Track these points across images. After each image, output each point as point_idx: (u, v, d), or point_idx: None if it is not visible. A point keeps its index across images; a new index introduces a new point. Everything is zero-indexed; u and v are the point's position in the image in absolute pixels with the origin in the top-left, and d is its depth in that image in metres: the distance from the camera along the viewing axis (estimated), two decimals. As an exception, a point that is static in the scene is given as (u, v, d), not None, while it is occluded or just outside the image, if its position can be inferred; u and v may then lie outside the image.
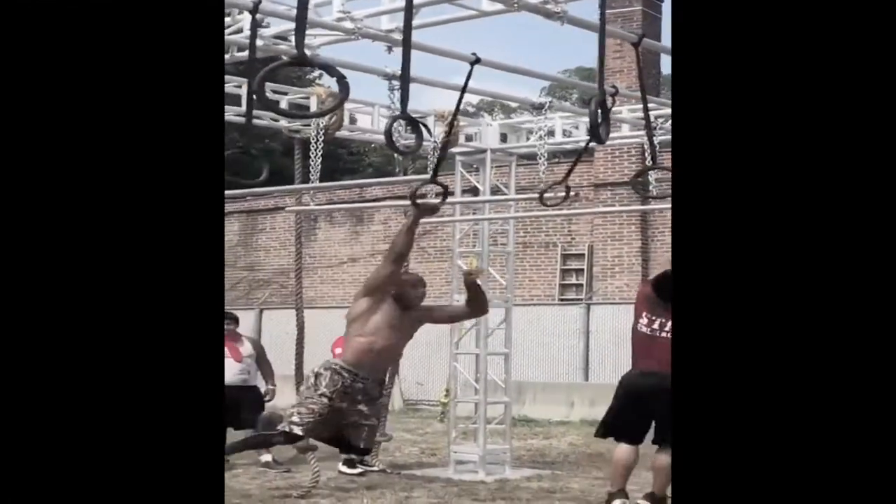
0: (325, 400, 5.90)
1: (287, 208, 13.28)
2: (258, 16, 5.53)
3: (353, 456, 8.91)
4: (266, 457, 9.83)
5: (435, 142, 8.42)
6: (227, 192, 3.38)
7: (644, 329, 7.22)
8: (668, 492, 7.28)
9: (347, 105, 8.80)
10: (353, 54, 12.71)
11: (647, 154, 8.61)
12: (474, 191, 11.05)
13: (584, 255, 18.38)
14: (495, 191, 10.83)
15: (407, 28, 4.44)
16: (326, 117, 8.56)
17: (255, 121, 8.44)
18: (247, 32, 5.83)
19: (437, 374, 16.38)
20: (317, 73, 21.89)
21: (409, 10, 4.51)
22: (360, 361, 5.94)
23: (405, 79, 4.47)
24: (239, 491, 8.50)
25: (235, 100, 8.46)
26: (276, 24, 6.99)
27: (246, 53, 5.98)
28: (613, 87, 4.88)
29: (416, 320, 6.34)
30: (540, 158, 8.85)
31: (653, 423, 7.26)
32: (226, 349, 9.63)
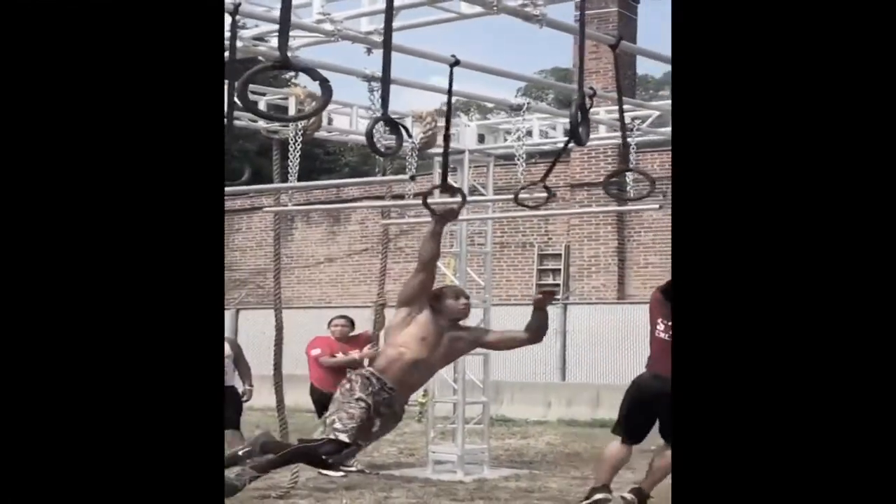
0: (362, 404, 5.66)
1: (265, 208, 13.27)
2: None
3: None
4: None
5: (414, 143, 8.45)
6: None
7: (662, 335, 7.22)
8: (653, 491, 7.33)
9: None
10: (332, 55, 12.71)
11: (632, 156, 8.66)
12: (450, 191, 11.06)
13: (560, 255, 18.43)
14: (473, 191, 10.85)
15: (387, 31, 4.46)
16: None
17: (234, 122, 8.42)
18: (227, 34, 5.82)
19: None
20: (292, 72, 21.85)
21: (390, 13, 4.53)
22: (388, 370, 5.73)
23: (386, 81, 4.49)
24: (217, 491, 8.47)
25: (214, 101, 8.43)
26: (253, 24, 7.00)
27: (226, 55, 5.97)
28: (591, 88, 4.90)
29: (458, 339, 5.96)
30: (518, 159, 8.88)
31: (656, 424, 7.28)
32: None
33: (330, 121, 9.69)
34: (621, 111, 5.79)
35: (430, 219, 5.81)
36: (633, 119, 9.58)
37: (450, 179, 10.75)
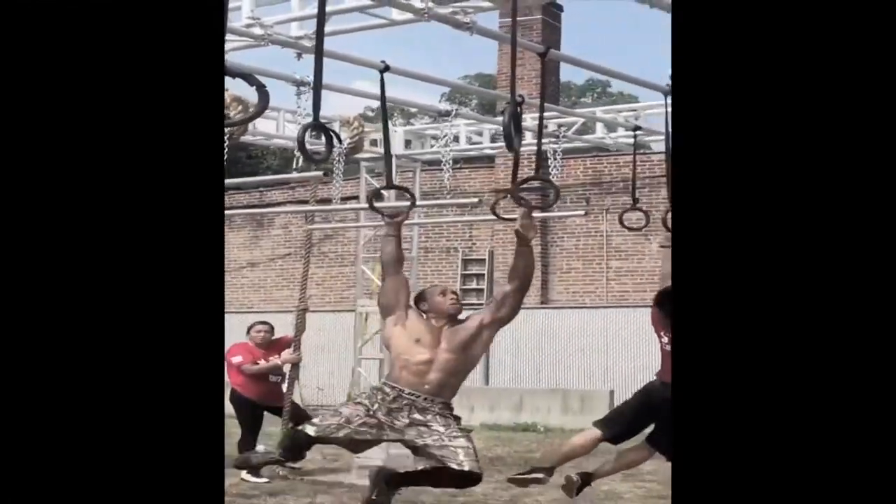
0: (360, 408, 5.54)
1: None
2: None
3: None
4: None
5: (341, 148, 8.45)
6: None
7: (669, 347, 7.19)
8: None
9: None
10: (257, 59, 12.65)
11: (551, 161, 8.74)
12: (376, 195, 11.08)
13: (484, 260, 18.51)
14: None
15: (319, 37, 4.45)
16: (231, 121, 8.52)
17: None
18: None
19: (338, 379, 16.35)
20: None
21: (322, 19, 4.52)
22: (400, 378, 5.54)
23: (317, 87, 4.48)
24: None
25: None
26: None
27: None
28: (521, 96, 4.94)
29: (458, 332, 5.73)
30: (444, 164, 8.93)
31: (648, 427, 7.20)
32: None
33: (254, 124, 9.65)
34: (541, 119, 5.87)
35: (353, 224, 5.77)
36: (560, 126, 9.68)
37: (377, 185, 10.81)
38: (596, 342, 16.74)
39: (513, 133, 4.65)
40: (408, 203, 6.12)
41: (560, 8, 18.12)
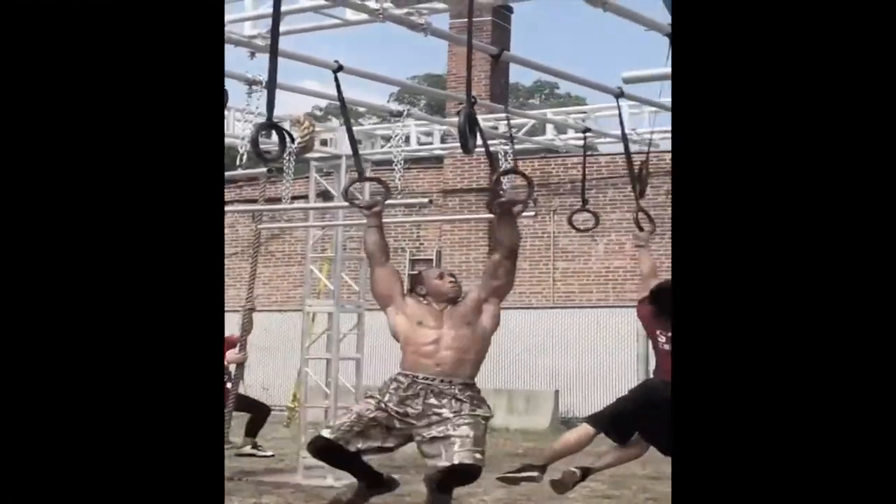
0: (371, 402, 5.44)
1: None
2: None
3: None
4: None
5: (292, 148, 8.40)
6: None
7: (668, 346, 6.96)
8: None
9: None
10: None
11: (502, 163, 8.74)
12: (325, 195, 11.06)
13: (432, 260, 18.51)
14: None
15: (274, 36, 4.44)
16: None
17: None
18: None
19: (283, 379, 16.27)
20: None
21: (277, 19, 4.51)
22: (413, 365, 5.43)
23: (272, 86, 4.47)
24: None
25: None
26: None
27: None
28: (474, 98, 4.95)
29: (461, 312, 5.58)
30: (396, 165, 8.92)
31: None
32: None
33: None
34: (509, 120, 5.88)
35: (302, 223, 5.73)
36: (512, 127, 9.70)
37: (326, 185, 10.79)
38: (542, 342, 16.78)
39: (468, 134, 4.65)
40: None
41: (510, 10, 18.16)
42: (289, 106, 9.67)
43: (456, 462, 5.17)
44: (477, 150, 4.96)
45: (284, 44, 6.23)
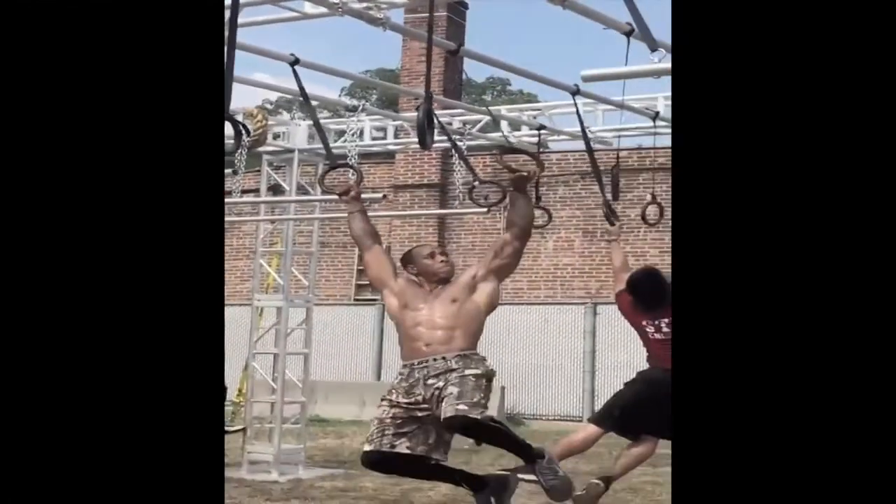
0: (384, 404, 5.29)
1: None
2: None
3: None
4: None
5: (245, 142, 8.33)
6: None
7: (657, 335, 6.98)
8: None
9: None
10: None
11: (455, 159, 8.72)
12: (276, 189, 11.00)
13: (380, 256, 18.45)
14: (301, 190, 10.79)
15: (232, 29, 4.40)
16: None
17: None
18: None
19: (229, 373, 16.13)
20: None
21: (235, 12, 4.47)
22: (408, 352, 5.31)
23: (228, 80, 4.42)
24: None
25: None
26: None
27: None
28: (430, 93, 4.92)
29: (451, 292, 5.42)
30: (350, 160, 8.86)
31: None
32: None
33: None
34: (499, 121, 5.86)
35: (252, 217, 5.68)
36: (465, 123, 9.69)
37: (278, 179, 10.72)
38: (490, 338, 16.73)
39: (426, 130, 4.62)
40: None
41: (465, 6, 18.16)
42: (237, 99, 9.59)
43: (442, 417, 5.04)
44: (435, 145, 4.94)
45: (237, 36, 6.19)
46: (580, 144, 11.35)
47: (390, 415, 5.26)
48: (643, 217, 7.87)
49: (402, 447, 5.22)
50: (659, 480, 8.68)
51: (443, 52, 9.73)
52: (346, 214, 5.79)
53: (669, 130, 9.33)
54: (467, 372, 5.17)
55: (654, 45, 4.90)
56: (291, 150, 10.27)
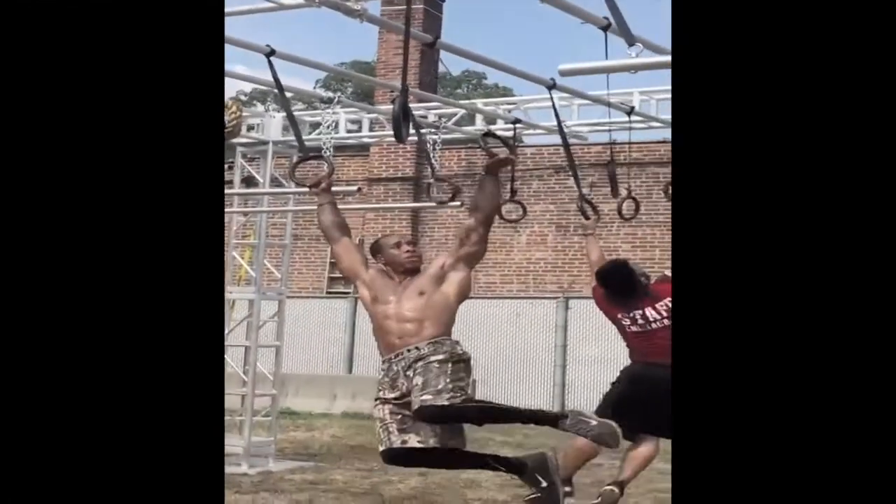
0: (377, 403, 5.26)
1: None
2: None
3: None
4: None
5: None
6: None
7: (634, 328, 6.96)
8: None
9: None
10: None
11: (430, 152, 8.71)
12: (249, 181, 10.95)
13: (353, 248, 18.43)
14: (275, 183, 10.74)
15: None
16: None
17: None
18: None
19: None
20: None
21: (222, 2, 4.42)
22: (384, 347, 5.28)
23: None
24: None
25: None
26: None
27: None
28: (406, 86, 4.91)
29: (419, 284, 5.36)
30: (325, 152, 8.84)
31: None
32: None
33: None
34: (475, 115, 5.84)
35: (231, 210, 5.63)
36: (440, 117, 9.67)
37: (251, 171, 10.67)
38: (462, 331, 16.72)
39: (402, 123, 4.62)
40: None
41: (442, -1, 18.16)
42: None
43: (413, 411, 5.05)
44: (411, 138, 4.92)
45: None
46: (555, 139, 11.38)
47: (386, 413, 5.23)
48: (619, 212, 7.87)
49: (413, 442, 5.18)
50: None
51: (419, 44, 9.70)
52: (316, 206, 5.76)
53: (644, 126, 9.38)
54: (432, 359, 5.13)
55: (631, 40, 4.89)
56: (266, 142, 10.24)
